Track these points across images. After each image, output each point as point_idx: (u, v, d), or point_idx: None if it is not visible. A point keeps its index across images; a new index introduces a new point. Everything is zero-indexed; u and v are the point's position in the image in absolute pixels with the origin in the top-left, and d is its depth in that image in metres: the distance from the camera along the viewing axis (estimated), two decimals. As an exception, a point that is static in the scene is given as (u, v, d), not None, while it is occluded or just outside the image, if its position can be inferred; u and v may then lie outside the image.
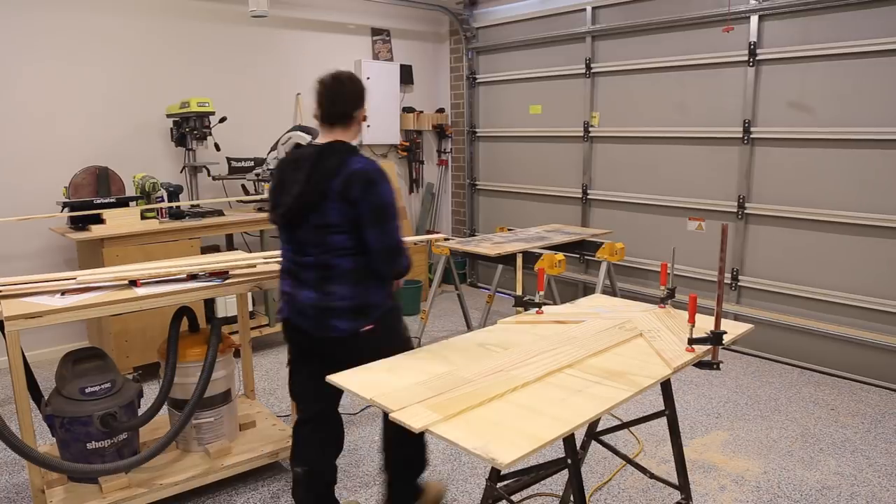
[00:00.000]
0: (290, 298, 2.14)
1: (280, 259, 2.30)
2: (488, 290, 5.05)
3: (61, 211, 3.78)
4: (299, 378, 2.29)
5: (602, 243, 4.02)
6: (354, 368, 1.77)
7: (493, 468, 1.84)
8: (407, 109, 5.93)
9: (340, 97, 2.08)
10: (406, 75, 5.89)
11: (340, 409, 2.38)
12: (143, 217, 4.01)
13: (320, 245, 2.05)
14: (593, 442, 2.30)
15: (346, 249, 2.04)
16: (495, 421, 1.42)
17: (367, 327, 2.08)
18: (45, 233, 4.16)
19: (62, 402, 2.38)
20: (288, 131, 4.53)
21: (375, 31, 5.67)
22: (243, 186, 4.68)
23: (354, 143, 2.12)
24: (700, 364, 1.80)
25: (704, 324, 1.98)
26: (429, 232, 6.31)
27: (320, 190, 1.99)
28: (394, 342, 2.12)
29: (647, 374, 1.68)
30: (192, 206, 4.25)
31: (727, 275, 4.35)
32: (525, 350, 1.85)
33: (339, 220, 2.00)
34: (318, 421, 2.30)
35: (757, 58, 4.02)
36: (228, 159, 4.52)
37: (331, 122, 2.09)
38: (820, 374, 3.93)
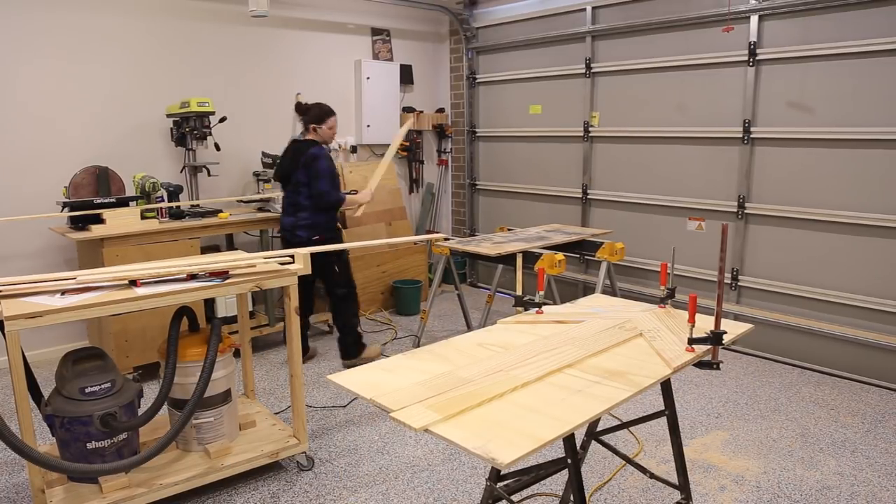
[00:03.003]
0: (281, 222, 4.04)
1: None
2: (488, 290, 5.05)
3: (61, 211, 3.78)
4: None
5: (602, 243, 4.02)
6: (354, 368, 1.78)
7: (493, 468, 1.84)
8: (407, 109, 5.93)
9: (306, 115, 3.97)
10: (406, 75, 5.89)
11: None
12: (143, 217, 4.01)
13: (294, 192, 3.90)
14: (593, 442, 2.30)
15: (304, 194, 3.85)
16: (495, 421, 1.42)
17: (316, 237, 3.85)
18: (45, 233, 4.16)
19: (62, 401, 2.38)
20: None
21: (375, 31, 5.67)
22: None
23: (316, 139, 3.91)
24: (700, 364, 1.80)
25: (704, 324, 1.98)
26: (429, 232, 6.31)
27: (296, 162, 3.86)
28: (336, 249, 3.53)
29: (647, 374, 1.68)
30: (192, 206, 4.25)
31: (727, 275, 4.35)
32: (525, 350, 1.85)
33: (303, 179, 3.83)
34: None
35: (757, 58, 4.02)
36: (264, 153, 4.71)
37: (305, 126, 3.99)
38: (820, 374, 3.93)
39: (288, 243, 3.89)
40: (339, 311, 4.00)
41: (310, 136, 3.91)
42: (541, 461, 2.03)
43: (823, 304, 3.96)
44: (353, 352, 4.05)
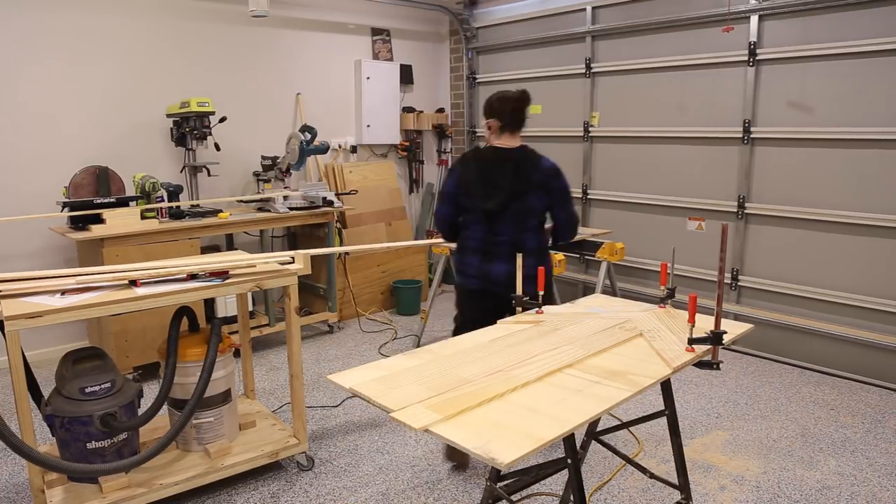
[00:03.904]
0: None
1: None
2: (488, 290, 5.04)
3: (61, 211, 3.78)
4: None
5: (602, 243, 4.02)
6: (354, 369, 1.78)
7: (493, 468, 1.84)
8: (407, 109, 5.93)
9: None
10: (406, 75, 5.89)
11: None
12: (143, 217, 4.01)
13: (517, 226, 2.78)
14: (593, 442, 2.30)
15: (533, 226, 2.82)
16: (495, 421, 1.42)
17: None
18: (45, 233, 4.16)
19: (62, 401, 2.38)
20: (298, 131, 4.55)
21: (375, 31, 5.67)
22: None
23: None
24: (700, 364, 1.80)
25: (704, 324, 1.98)
26: (429, 232, 6.31)
27: (525, 180, 2.73)
28: None
29: (647, 374, 1.68)
30: (192, 206, 4.25)
31: (727, 275, 4.35)
32: (525, 350, 1.85)
33: (537, 205, 2.76)
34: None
35: (757, 58, 4.02)
36: (263, 157, 4.67)
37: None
38: (820, 374, 3.93)
39: (493, 298, 2.70)
40: None
41: (516, 143, 2.76)
42: (541, 461, 2.03)
43: (823, 304, 3.96)
44: None
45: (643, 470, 2.17)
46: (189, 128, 4.20)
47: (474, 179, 2.72)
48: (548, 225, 2.85)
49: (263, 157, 4.66)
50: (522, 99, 2.73)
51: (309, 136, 4.45)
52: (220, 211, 4.23)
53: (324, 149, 4.62)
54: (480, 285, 2.76)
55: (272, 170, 4.59)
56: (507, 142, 2.74)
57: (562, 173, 2.77)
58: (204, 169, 4.45)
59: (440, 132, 6.18)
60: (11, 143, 4.02)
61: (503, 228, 2.70)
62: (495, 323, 2.14)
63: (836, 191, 3.82)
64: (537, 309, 2.23)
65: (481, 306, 2.76)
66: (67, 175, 3.94)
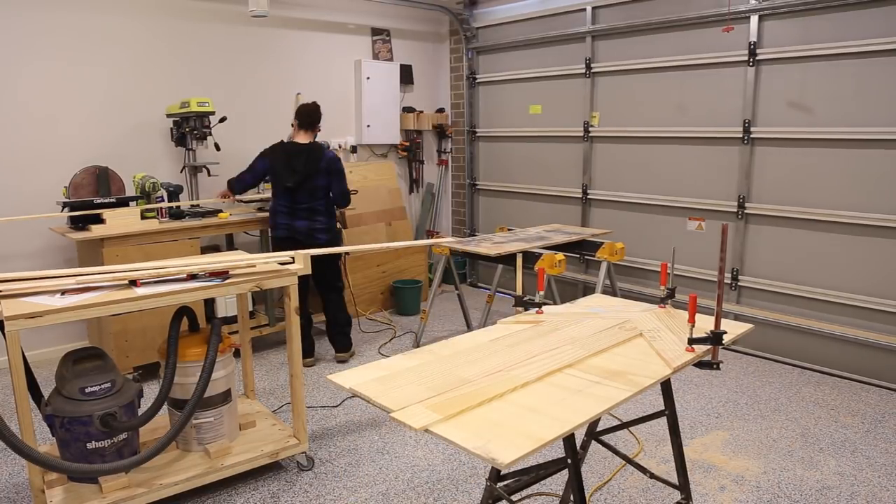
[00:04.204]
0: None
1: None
2: (488, 290, 5.05)
3: (61, 211, 3.78)
4: None
5: (602, 243, 4.02)
6: (354, 369, 1.78)
7: (493, 468, 1.84)
8: (407, 109, 5.94)
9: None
10: (406, 75, 5.89)
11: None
12: (143, 217, 4.01)
13: (311, 196, 3.96)
14: (593, 442, 2.30)
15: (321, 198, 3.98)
16: (495, 421, 1.42)
17: (329, 238, 4.01)
18: (45, 233, 4.16)
19: (62, 401, 2.38)
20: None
21: (375, 31, 5.67)
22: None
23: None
24: (700, 364, 1.80)
25: (704, 324, 1.98)
26: (429, 232, 6.31)
27: (313, 166, 3.89)
28: None
29: (647, 374, 1.68)
30: (192, 206, 4.25)
31: (727, 275, 4.35)
32: (525, 350, 1.85)
33: (322, 182, 3.92)
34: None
35: (757, 58, 4.02)
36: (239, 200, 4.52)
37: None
38: (820, 374, 3.93)
39: (299, 245, 3.82)
40: (342, 305, 4.14)
41: (308, 139, 3.91)
42: (541, 461, 2.03)
43: (823, 304, 3.96)
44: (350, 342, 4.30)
45: (643, 470, 2.17)
46: (189, 128, 4.20)
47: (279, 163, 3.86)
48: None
49: None
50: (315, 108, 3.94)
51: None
52: (220, 211, 4.23)
53: (324, 149, 4.62)
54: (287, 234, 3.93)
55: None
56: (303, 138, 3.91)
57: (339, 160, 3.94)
58: (204, 169, 4.45)
59: (440, 132, 6.18)
60: (11, 143, 4.02)
61: (301, 198, 3.88)
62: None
63: (837, 191, 3.82)
64: (537, 309, 2.23)
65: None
66: (67, 175, 3.94)
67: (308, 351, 4.10)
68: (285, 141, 3.94)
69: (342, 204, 4.02)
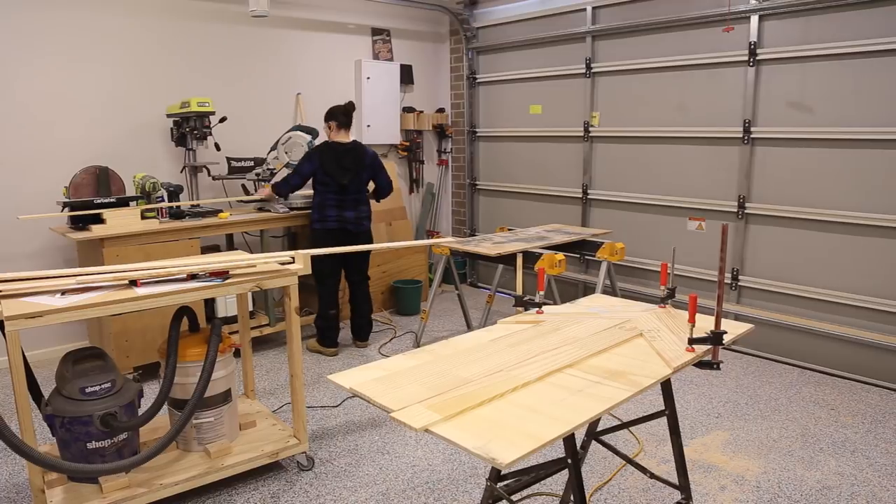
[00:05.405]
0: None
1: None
2: (488, 290, 5.05)
3: (61, 211, 3.78)
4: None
5: (602, 243, 4.02)
6: (354, 368, 1.78)
7: (493, 468, 1.84)
8: (407, 109, 5.93)
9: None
10: (406, 75, 5.89)
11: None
12: (143, 217, 4.00)
13: (357, 190, 4.25)
14: (593, 442, 2.30)
15: (364, 190, 4.34)
16: (495, 421, 1.42)
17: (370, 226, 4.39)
18: (45, 233, 4.16)
19: (62, 401, 2.38)
20: (288, 131, 4.54)
21: (375, 31, 5.67)
22: (243, 186, 4.68)
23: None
24: (700, 364, 1.80)
25: (704, 324, 1.98)
26: (429, 232, 6.31)
27: (360, 163, 4.22)
28: None
29: (648, 374, 1.68)
30: (192, 206, 4.26)
31: (727, 275, 4.35)
32: (525, 350, 1.85)
33: (366, 177, 4.31)
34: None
35: (757, 58, 4.02)
36: (228, 159, 4.52)
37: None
38: (820, 374, 3.93)
39: (349, 235, 4.16)
40: (369, 295, 4.45)
41: (348, 138, 4.18)
42: (541, 461, 2.03)
43: (823, 304, 3.96)
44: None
45: (643, 470, 2.17)
46: (189, 128, 4.20)
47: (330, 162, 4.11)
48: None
49: (244, 159, 4.64)
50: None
51: (310, 136, 4.46)
52: (221, 211, 4.23)
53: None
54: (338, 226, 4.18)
55: (258, 168, 4.56)
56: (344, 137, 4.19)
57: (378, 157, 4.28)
58: (204, 169, 4.45)
59: (440, 132, 6.18)
60: (11, 144, 4.02)
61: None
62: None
63: (837, 191, 3.82)
64: (537, 309, 2.23)
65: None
66: (67, 175, 3.94)
67: (334, 341, 4.31)
68: (329, 141, 4.15)
69: (388, 192, 4.37)
